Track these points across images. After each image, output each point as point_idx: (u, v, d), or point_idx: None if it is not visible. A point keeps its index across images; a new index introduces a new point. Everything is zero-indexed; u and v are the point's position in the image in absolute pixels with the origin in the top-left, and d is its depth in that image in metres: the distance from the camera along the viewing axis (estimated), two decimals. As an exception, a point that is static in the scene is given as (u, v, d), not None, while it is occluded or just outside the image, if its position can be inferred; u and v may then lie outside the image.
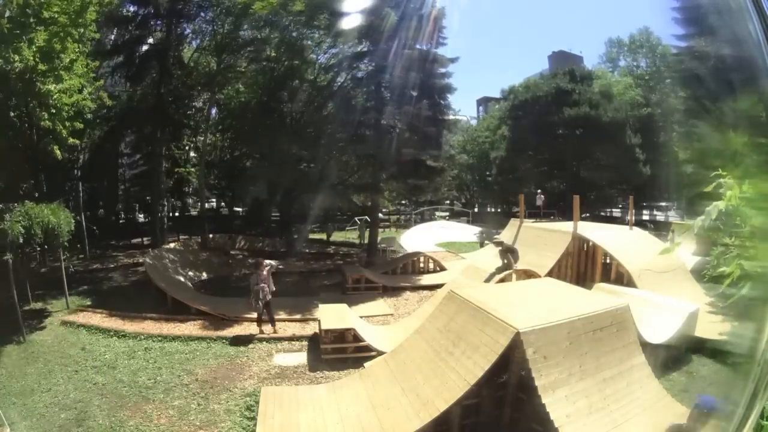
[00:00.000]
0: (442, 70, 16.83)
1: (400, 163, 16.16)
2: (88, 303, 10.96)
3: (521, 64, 73.93)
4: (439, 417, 4.97)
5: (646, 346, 6.14)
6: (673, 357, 7.30)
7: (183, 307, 10.57)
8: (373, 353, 7.82)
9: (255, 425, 5.74)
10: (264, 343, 8.90)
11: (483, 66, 70.28)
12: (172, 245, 16.66)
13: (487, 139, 29.25)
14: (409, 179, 17.38)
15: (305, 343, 8.90)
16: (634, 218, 14.35)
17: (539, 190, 18.32)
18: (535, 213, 19.56)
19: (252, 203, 25.17)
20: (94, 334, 9.13)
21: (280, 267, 16.59)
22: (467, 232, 26.11)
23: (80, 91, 11.62)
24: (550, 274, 10.82)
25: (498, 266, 9.75)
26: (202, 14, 17.32)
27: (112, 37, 17.95)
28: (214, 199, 29.57)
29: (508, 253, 9.71)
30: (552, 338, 5.06)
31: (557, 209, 22.44)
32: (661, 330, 7.32)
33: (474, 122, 42.24)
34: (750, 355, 1.57)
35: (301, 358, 8.22)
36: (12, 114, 10.65)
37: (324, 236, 23.52)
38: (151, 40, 17.91)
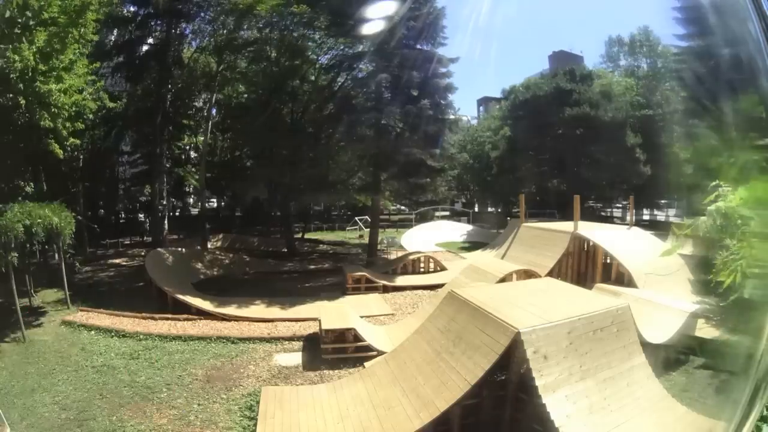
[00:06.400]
0: (443, 70, 16.83)
1: (401, 162, 16.16)
2: (89, 303, 10.95)
3: (521, 64, 73.72)
4: (439, 417, 4.98)
5: (646, 346, 6.14)
6: (673, 357, 7.30)
7: (183, 307, 10.58)
8: (374, 353, 7.83)
9: (255, 425, 5.74)
10: (264, 343, 8.90)
11: (483, 66, 70.14)
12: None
13: (488, 138, 29.23)
14: (410, 179, 17.38)
15: (305, 343, 8.90)
16: (634, 218, 14.34)
17: None
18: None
19: (252, 203, 25.22)
20: (94, 334, 9.13)
21: (283, 267, 16.63)
22: (466, 232, 26.17)
23: (80, 92, 11.63)
24: (550, 274, 10.84)
25: None
26: (202, 14, 17.32)
27: (113, 37, 17.97)
28: (214, 199, 29.61)
29: None
30: (552, 338, 5.06)
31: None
32: (661, 330, 7.33)
33: (474, 122, 42.25)
34: (749, 355, 1.57)
35: (301, 358, 8.22)
36: (13, 114, 10.64)
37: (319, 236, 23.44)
38: (150, 41, 17.92)
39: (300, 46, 16.98)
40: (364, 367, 7.37)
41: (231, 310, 10.66)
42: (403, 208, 28.44)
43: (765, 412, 1.52)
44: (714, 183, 2.48)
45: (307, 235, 25.79)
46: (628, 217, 12.85)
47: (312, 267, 17.16)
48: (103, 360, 7.94)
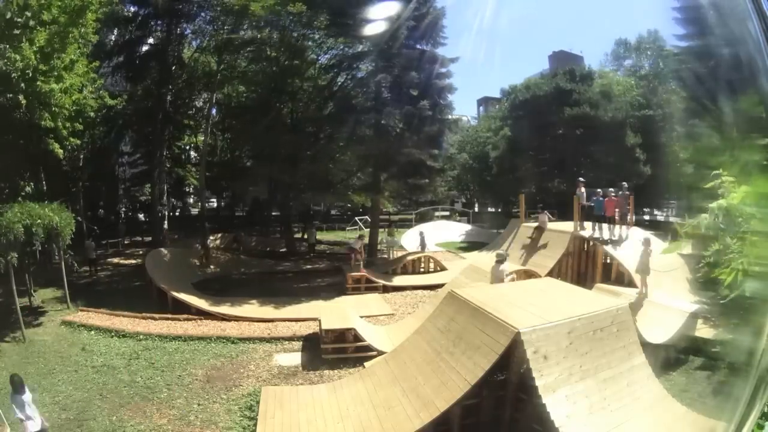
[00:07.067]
0: (443, 70, 16.84)
1: (401, 162, 16.16)
2: (88, 302, 10.95)
3: (521, 64, 73.78)
4: (439, 417, 4.98)
5: (646, 346, 6.14)
6: (673, 357, 7.30)
7: (183, 306, 10.58)
8: (374, 353, 7.83)
9: (255, 425, 5.74)
10: (264, 343, 8.90)
11: (483, 66, 70.21)
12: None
13: (488, 139, 29.22)
14: (410, 179, 17.38)
15: (305, 343, 8.90)
16: (634, 218, 14.31)
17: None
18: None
19: (252, 203, 25.22)
20: (94, 334, 9.13)
21: (280, 267, 16.63)
22: (466, 232, 26.17)
23: (80, 91, 11.63)
24: (550, 274, 10.83)
25: None
26: (203, 14, 17.33)
27: (113, 37, 17.98)
28: (214, 199, 29.63)
29: None
30: (552, 338, 5.05)
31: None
32: (661, 330, 7.33)
33: (474, 122, 42.26)
34: (749, 354, 1.57)
35: (301, 358, 8.22)
36: (14, 114, 10.64)
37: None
38: (151, 41, 17.93)
39: (299, 45, 16.98)
40: (364, 367, 7.37)
41: (231, 309, 10.66)
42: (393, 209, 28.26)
43: (766, 409, 1.52)
44: (714, 173, 2.48)
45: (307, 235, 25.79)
46: (628, 217, 12.84)
47: (311, 267, 17.15)
48: (103, 360, 7.95)
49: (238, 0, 14.52)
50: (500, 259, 8.29)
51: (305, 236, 21.08)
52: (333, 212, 34.04)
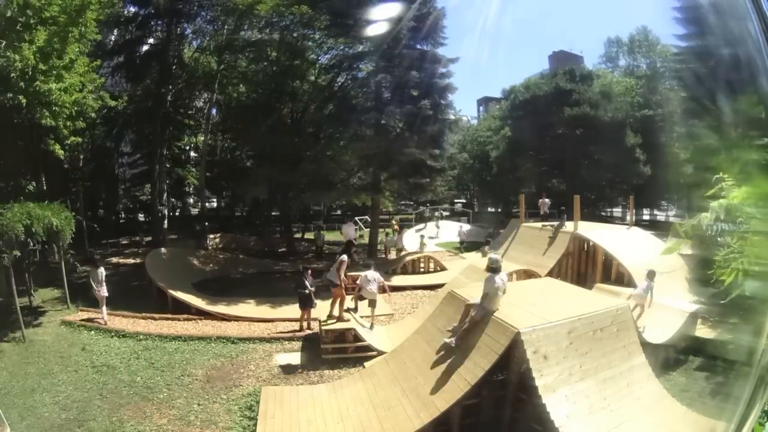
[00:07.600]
0: (443, 70, 16.85)
1: (401, 162, 16.16)
2: (88, 302, 10.93)
3: (521, 64, 73.72)
4: (439, 417, 4.98)
5: (646, 346, 6.14)
6: (673, 357, 7.31)
7: (183, 306, 10.57)
8: (374, 353, 7.83)
9: (255, 425, 5.74)
10: (264, 343, 8.90)
11: (483, 66, 70.13)
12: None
13: (488, 138, 29.22)
14: (410, 179, 17.38)
15: (305, 343, 8.90)
16: (634, 218, 14.34)
17: (541, 199, 17.76)
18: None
19: (252, 203, 25.23)
20: (94, 334, 9.12)
21: (278, 267, 16.62)
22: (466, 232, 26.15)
23: (80, 90, 11.62)
24: (550, 274, 10.83)
25: None
26: (203, 14, 17.33)
27: (113, 37, 17.98)
28: (214, 199, 29.61)
29: None
30: (552, 338, 5.06)
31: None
32: (661, 330, 7.33)
33: (474, 122, 42.26)
34: (750, 354, 1.57)
35: (301, 358, 8.22)
36: (14, 113, 10.63)
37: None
38: (151, 41, 17.93)
39: (300, 46, 16.98)
40: (364, 367, 7.37)
41: (231, 309, 10.66)
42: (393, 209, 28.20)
43: (767, 409, 1.52)
44: (716, 176, 2.48)
45: (307, 235, 25.78)
46: (628, 217, 12.84)
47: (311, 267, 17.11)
48: (103, 360, 7.94)
49: (244, -1, 14.55)
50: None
51: (315, 238, 21.01)
52: (334, 212, 34.03)
